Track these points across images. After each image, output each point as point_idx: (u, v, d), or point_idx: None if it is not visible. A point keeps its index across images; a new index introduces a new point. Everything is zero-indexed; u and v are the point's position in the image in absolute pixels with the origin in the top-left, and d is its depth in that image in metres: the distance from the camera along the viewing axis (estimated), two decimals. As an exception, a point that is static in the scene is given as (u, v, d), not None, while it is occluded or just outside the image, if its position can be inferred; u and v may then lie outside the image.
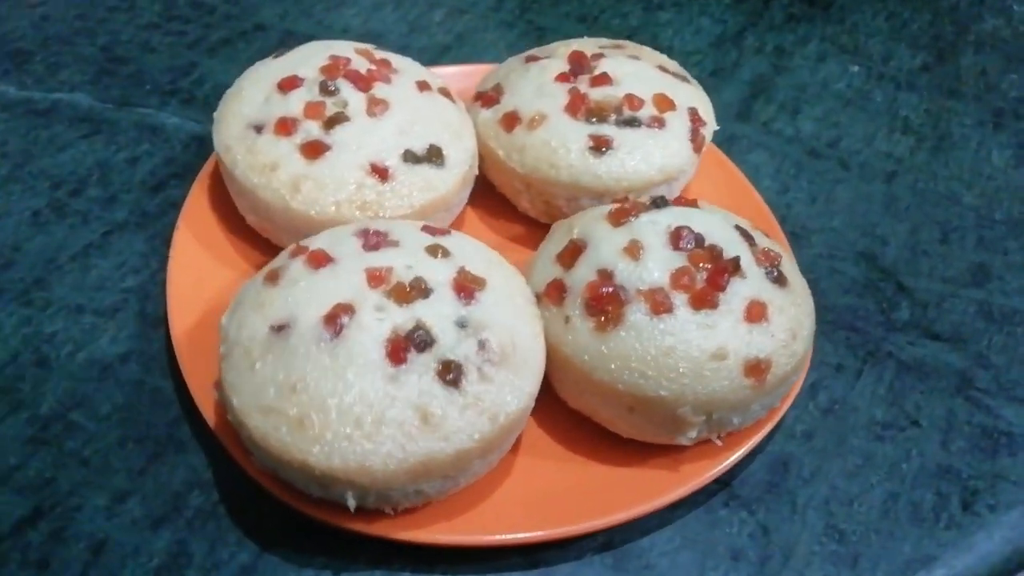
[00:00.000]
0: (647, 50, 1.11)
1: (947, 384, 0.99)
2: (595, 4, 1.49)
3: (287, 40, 1.35)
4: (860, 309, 1.06)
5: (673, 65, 1.10)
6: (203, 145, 1.17)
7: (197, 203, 1.03)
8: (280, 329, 0.77)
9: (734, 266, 0.82)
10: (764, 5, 1.52)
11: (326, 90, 0.97)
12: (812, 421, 0.95)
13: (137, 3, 1.39)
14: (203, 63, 1.30)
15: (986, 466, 0.93)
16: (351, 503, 0.74)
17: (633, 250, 0.83)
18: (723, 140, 1.19)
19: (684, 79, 1.07)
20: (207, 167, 1.06)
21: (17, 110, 1.20)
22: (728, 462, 0.85)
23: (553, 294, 0.85)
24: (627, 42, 1.12)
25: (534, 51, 1.12)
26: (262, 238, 1.00)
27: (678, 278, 0.81)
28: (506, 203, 1.08)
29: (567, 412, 0.88)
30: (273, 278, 0.82)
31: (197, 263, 0.98)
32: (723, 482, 0.88)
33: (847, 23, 1.50)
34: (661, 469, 0.85)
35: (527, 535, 0.79)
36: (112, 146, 1.17)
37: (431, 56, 1.35)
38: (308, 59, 1.01)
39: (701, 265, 0.82)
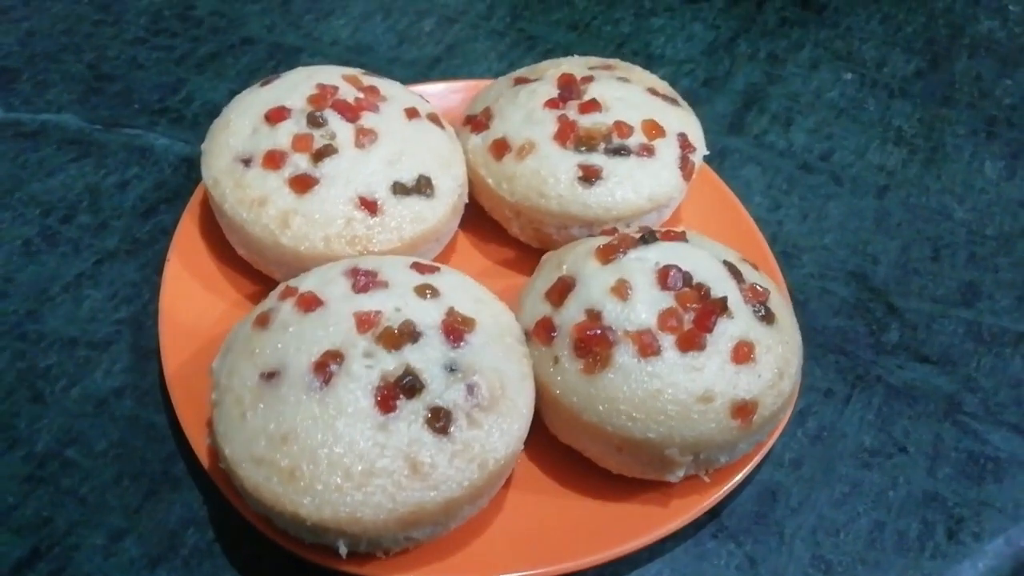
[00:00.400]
0: (637, 70, 1.11)
1: (935, 408, 1.00)
2: (586, 11, 1.47)
3: (275, 53, 1.34)
4: (850, 331, 1.06)
5: (663, 86, 1.09)
6: (192, 167, 1.16)
7: (187, 233, 1.03)
8: (270, 377, 0.78)
9: (721, 307, 0.82)
10: (757, 9, 1.50)
11: (314, 121, 0.96)
12: (801, 449, 0.96)
13: (124, 17, 1.37)
14: (191, 79, 1.29)
15: (972, 493, 0.94)
16: (343, 550, 0.75)
17: (621, 290, 0.84)
18: (715, 154, 1.18)
19: (674, 102, 1.07)
20: (196, 195, 1.06)
21: (5, 133, 1.19)
22: (717, 496, 0.86)
23: (542, 334, 0.85)
24: (617, 62, 1.11)
25: (523, 72, 1.11)
26: (254, 267, 1.00)
27: (665, 319, 0.82)
28: (497, 227, 1.07)
29: (557, 446, 0.89)
30: (263, 322, 0.82)
31: (189, 295, 0.98)
32: (712, 513, 0.89)
33: (841, 27, 1.49)
34: (651, 504, 0.86)
35: (519, 574, 0.80)
36: (101, 170, 1.16)
37: (421, 69, 1.34)
38: (295, 88, 1.00)
39: (689, 305, 0.82)
